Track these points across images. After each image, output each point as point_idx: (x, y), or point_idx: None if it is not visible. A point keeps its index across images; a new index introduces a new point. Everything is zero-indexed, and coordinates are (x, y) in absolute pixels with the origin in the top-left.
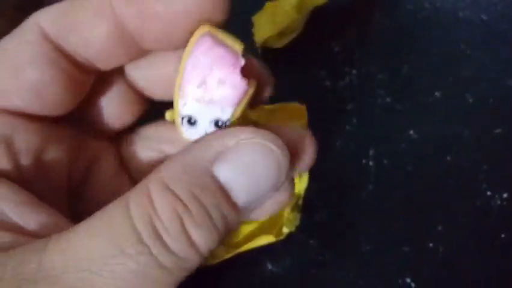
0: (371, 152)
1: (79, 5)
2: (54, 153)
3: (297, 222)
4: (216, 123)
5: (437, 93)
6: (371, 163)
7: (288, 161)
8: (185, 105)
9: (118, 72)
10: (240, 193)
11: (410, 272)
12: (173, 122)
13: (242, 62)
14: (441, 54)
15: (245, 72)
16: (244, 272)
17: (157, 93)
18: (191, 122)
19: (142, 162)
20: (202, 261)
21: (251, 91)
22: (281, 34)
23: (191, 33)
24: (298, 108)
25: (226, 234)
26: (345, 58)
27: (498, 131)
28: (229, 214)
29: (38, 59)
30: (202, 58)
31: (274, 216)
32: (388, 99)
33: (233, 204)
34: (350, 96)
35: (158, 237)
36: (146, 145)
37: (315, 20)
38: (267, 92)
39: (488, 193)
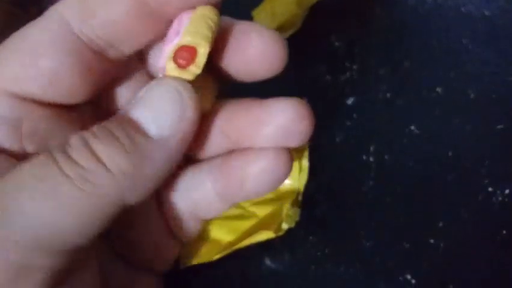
0: (371, 148)
1: None
2: (63, 138)
3: (296, 218)
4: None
5: (438, 89)
6: (371, 159)
7: (189, 88)
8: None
9: (140, 62)
10: (147, 124)
11: (410, 268)
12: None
13: (172, 47)
14: (443, 49)
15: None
16: (243, 268)
17: None
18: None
19: None
20: (119, 184)
21: (187, 77)
22: (281, 28)
23: None
24: None
25: (148, 163)
26: (345, 53)
27: (500, 126)
28: (138, 137)
29: (56, 47)
30: (175, 24)
31: (274, 212)
32: (389, 95)
33: (142, 132)
34: (350, 91)
35: (65, 153)
36: None
37: (315, 14)
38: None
39: (490, 189)
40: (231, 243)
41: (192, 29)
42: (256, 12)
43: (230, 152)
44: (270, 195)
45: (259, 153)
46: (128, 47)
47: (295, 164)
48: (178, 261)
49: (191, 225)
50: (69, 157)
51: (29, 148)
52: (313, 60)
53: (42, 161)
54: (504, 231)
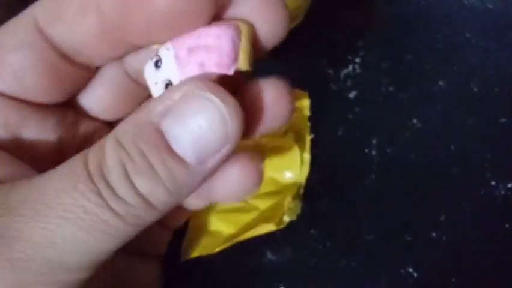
0: (373, 141)
1: None
2: (37, 131)
3: (298, 211)
4: (167, 85)
5: (441, 82)
6: (373, 152)
7: (235, 112)
8: (167, 50)
9: (117, 61)
10: (185, 146)
11: (412, 261)
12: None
13: (231, 71)
14: (446, 42)
15: (224, 83)
16: (245, 261)
17: None
18: (157, 64)
19: None
20: (157, 214)
21: None
22: None
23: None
24: (300, 96)
25: (185, 191)
26: (348, 46)
27: (503, 120)
28: (174, 166)
29: (22, 45)
30: (212, 38)
31: (276, 205)
32: (391, 88)
33: (178, 157)
34: (352, 84)
35: (105, 180)
36: None
37: (318, 7)
38: None
39: (492, 183)
40: (233, 236)
41: (247, 54)
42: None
43: None
44: (271, 188)
45: (230, 163)
46: (96, 59)
47: (297, 157)
48: (180, 253)
49: (181, 214)
50: (112, 188)
51: (2, 137)
52: (315, 53)
53: (81, 181)
54: (506, 225)
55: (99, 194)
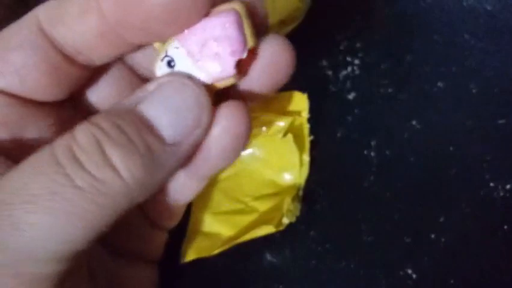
0: (372, 143)
1: None
2: (37, 131)
3: (297, 212)
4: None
5: (440, 83)
6: (372, 153)
7: (208, 102)
8: (176, 48)
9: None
10: (162, 124)
11: (411, 263)
12: (157, 53)
13: (244, 55)
14: (445, 43)
15: (238, 66)
16: (244, 263)
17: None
18: (170, 64)
19: None
20: (129, 193)
21: (231, 81)
22: (283, 23)
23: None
24: (299, 97)
25: (160, 171)
26: (347, 47)
27: (502, 121)
28: (154, 143)
29: (24, 44)
30: (218, 28)
31: (275, 207)
32: (390, 89)
33: (156, 132)
34: (351, 86)
35: (73, 157)
36: None
37: (317, 8)
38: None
39: (492, 184)
40: (232, 238)
41: (251, 31)
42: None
43: None
44: (270, 190)
45: (216, 115)
46: (97, 58)
47: (296, 159)
48: (179, 255)
49: (171, 212)
50: (80, 165)
51: (2, 136)
52: (314, 54)
53: (47, 164)
54: (505, 226)
55: (65, 173)
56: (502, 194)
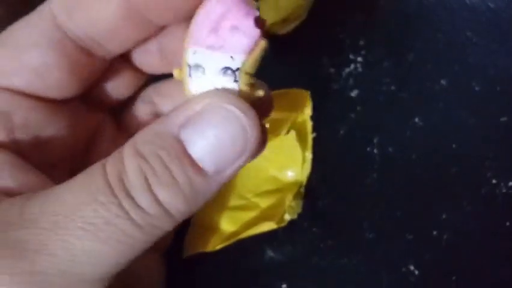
0: (375, 140)
1: None
2: (55, 130)
3: (299, 209)
4: (225, 72)
5: (442, 81)
6: (375, 151)
7: (255, 124)
8: (194, 53)
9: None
10: (205, 157)
11: (413, 259)
12: (181, 80)
13: (257, 13)
14: (447, 41)
15: (258, 24)
16: (245, 259)
17: (158, 68)
18: (199, 71)
19: (141, 126)
20: (173, 223)
21: (263, 44)
22: (285, 21)
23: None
24: (302, 95)
25: (201, 200)
26: (350, 45)
27: (504, 119)
28: (195, 177)
29: (42, 43)
30: (218, 6)
31: (277, 203)
32: (393, 87)
33: (198, 168)
34: (354, 83)
35: (126, 191)
36: (146, 108)
37: (320, 6)
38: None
39: (494, 181)
40: (234, 234)
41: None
42: (260, 4)
43: None
44: (273, 187)
45: None
46: (114, 47)
47: (299, 156)
48: (182, 250)
49: None
50: (135, 203)
51: (22, 139)
52: (317, 52)
53: (101, 193)
54: (507, 223)
55: (120, 205)
56: (504, 191)
